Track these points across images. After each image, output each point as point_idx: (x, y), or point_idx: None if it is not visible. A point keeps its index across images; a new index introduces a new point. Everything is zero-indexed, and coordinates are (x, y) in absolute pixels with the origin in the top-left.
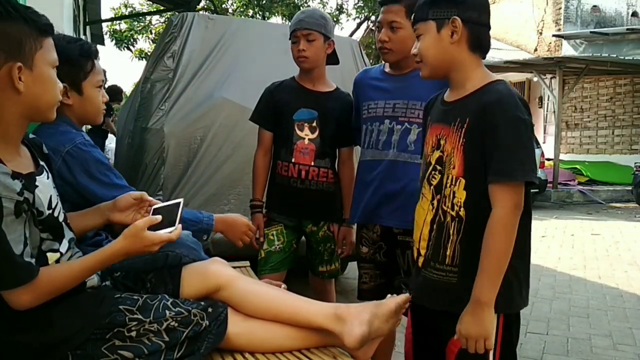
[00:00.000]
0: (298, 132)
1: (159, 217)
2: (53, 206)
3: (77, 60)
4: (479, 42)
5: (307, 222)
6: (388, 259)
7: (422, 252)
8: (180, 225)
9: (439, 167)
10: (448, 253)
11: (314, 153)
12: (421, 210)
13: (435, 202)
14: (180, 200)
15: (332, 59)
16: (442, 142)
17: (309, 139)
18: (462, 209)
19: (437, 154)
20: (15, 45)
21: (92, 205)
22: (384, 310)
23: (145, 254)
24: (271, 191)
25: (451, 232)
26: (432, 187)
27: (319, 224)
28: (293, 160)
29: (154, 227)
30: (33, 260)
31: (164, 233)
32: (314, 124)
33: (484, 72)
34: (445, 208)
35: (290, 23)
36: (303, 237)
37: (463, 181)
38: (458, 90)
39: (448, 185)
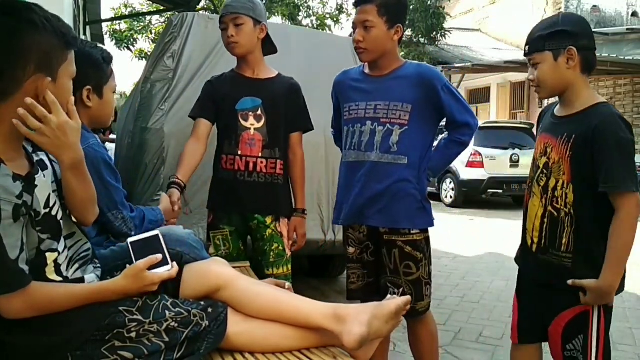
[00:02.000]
0: (242, 122)
1: (159, 257)
2: (51, 204)
3: (100, 65)
4: (589, 65)
5: (253, 217)
6: (376, 258)
7: (535, 240)
8: (174, 263)
9: (545, 171)
10: (564, 242)
11: (261, 143)
12: (533, 206)
13: (544, 200)
14: (157, 232)
15: (269, 47)
16: (548, 150)
17: (254, 129)
18: (572, 208)
19: (544, 159)
20: (45, 58)
21: None
22: (384, 311)
23: (144, 294)
24: (215, 189)
25: (566, 225)
26: (540, 187)
27: (266, 218)
28: (239, 152)
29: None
30: (27, 268)
31: (164, 272)
32: (259, 112)
33: (591, 92)
34: (558, 206)
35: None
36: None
37: (572, 186)
38: (568, 107)
39: (559, 187)
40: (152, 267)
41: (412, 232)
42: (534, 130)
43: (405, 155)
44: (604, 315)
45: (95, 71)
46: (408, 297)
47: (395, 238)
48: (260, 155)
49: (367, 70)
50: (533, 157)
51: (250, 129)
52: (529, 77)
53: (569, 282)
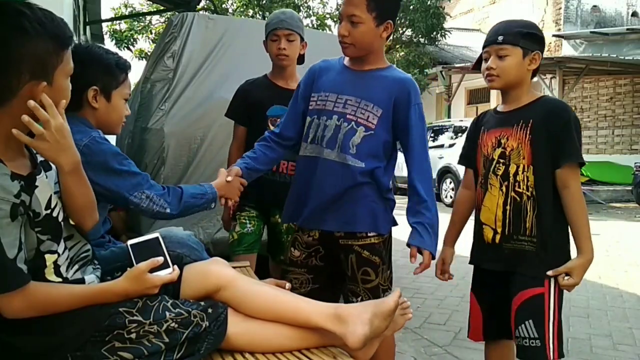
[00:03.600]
0: (271, 127)
1: (160, 259)
2: (52, 206)
3: (112, 69)
4: (537, 71)
5: (275, 212)
6: (325, 264)
7: (499, 230)
8: (176, 266)
9: (502, 160)
10: (527, 226)
11: None
12: (492, 198)
13: (504, 187)
14: (157, 234)
15: (300, 59)
16: (502, 140)
17: None
18: (534, 190)
19: (498, 151)
20: (40, 64)
21: (104, 198)
22: (383, 309)
23: (145, 296)
24: None
25: (528, 209)
26: (499, 177)
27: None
28: None
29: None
30: (25, 267)
31: (165, 274)
32: None
33: (533, 91)
34: (520, 190)
35: (268, 22)
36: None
37: (532, 168)
38: (515, 102)
39: (520, 172)
40: (153, 269)
41: (369, 235)
42: None
43: (362, 161)
44: (558, 297)
45: (104, 74)
46: (398, 290)
47: (351, 242)
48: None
49: (346, 62)
50: (482, 156)
51: None
52: (490, 65)
53: (549, 272)
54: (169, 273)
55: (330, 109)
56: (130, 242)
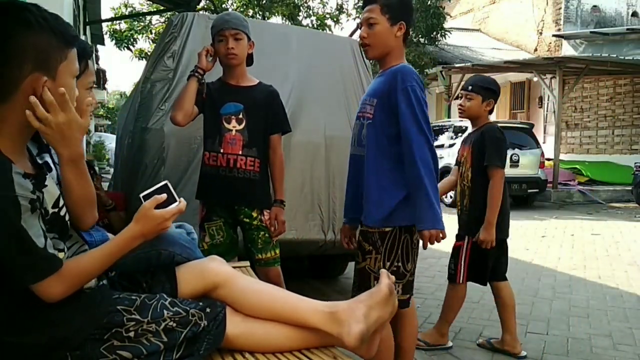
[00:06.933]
0: (225, 124)
1: (164, 196)
2: (60, 205)
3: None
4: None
5: (241, 211)
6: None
7: (459, 205)
8: (182, 199)
9: (460, 164)
10: (465, 203)
11: (241, 143)
12: (459, 187)
13: (460, 181)
14: (165, 181)
15: (249, 60)
16: (462, 152)
17: (236, 130)
18: (469, 182)
19: (461, 158)
20: (42, 57)
21: None
22: (378, 298)
23: (161, 231)
24: (201, 182)
25: (467, 194)
26: (459, 173)
27: (252, 211)
28: (222, 150)
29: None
30: (56, 252)
31: (172, 207)
32: (240, 116)
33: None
34: (464, 183)
35: (213, 24)
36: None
37: (471, 169)
38: (474, 126)
39: (465, 171)
40: (159, 207)
41: (365, 223)
42: (534, 131)
43: (367, 147)
44: (470, 247)
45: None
46: (384, 271)
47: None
48: (240, 153)
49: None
50: (457, 160)
51: (232, 130)
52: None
53: (479, 237)
54: (175, 205)
55: (359, 112)
56: (142, 193)
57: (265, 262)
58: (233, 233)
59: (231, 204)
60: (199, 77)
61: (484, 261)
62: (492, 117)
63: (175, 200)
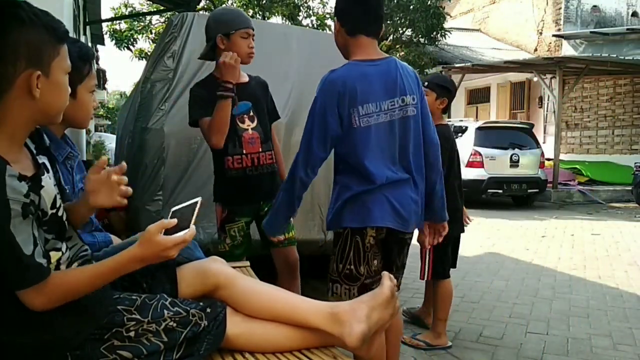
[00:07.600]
0: (240, 124)
1: (174, 221)
2: (57, 205)
3: (75, 63)
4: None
5: (266, 205)
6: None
7: None
8: (193, 226)
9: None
10: None
11: (259, 140)
12: None
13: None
14: (198, 199)
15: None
16: None
17: (251, 129)
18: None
19: None
20: (36, 52)
21: None
22: (380, 299)
23: (162, 259)
24: (226, 187)
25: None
26: None
27: (271, 202)
28: (244, 151)
29: (171, 231)
30: (45, 261)
31: (178, 236)
32: (251, 114)
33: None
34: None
35: (232, 18)
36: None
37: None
38: None
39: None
40: (173, 233)
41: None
42: (534, 131)
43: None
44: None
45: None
46: (386, 274)
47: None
48: (260, 150)
49: None
50: None
51: (248, 129)
52: None
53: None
54: (182, 234)
55: None
56: (173, 208)
57: (289, 242)
58: (248, 230)
59: (260, 200)
60: (234, 97)
61: (445, 253)
62: (492, 117)
63: (188, 227)
